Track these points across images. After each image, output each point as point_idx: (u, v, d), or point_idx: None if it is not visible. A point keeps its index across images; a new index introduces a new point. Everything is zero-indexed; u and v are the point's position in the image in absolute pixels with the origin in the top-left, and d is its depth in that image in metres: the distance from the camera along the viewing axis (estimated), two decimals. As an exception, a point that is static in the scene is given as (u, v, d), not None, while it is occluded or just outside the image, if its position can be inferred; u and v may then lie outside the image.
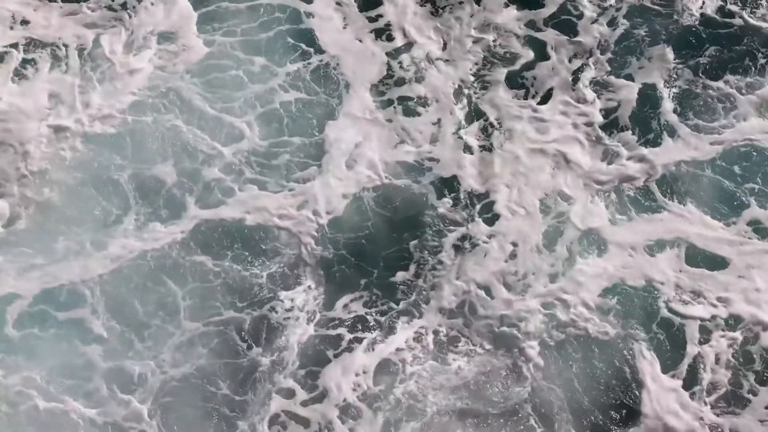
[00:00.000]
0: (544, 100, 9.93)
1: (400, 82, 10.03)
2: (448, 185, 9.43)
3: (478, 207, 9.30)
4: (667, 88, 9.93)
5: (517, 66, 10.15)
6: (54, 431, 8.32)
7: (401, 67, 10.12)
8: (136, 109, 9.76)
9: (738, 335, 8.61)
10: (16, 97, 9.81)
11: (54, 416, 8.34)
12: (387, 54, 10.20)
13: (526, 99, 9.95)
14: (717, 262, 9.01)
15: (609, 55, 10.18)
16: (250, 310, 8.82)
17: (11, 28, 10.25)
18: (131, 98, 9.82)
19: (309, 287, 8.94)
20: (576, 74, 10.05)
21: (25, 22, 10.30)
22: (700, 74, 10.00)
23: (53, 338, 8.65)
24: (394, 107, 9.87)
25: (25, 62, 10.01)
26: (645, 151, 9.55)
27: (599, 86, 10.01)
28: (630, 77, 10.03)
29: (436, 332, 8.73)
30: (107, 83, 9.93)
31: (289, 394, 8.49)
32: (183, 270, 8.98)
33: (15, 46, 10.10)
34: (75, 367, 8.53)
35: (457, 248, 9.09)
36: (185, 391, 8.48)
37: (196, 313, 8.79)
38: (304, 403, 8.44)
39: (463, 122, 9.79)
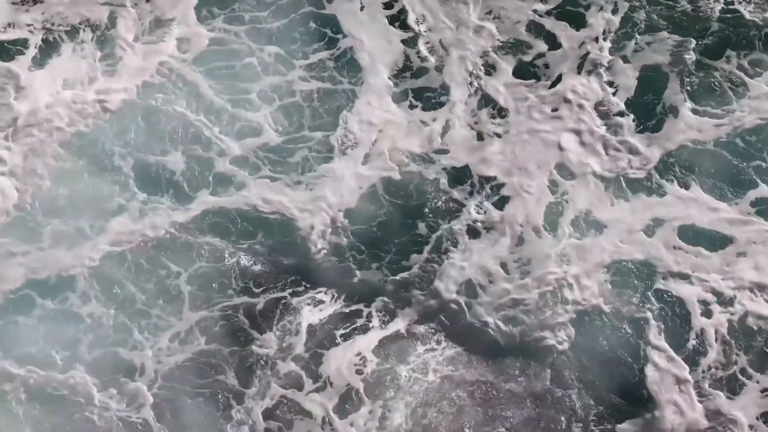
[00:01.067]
0: (552, 85, 10.19)
1: (416, 70, 10.28)
2: (461, 173, 9.75)
3: (487, 191, 9.63)
4: (671, 70, 10.18)
5: (524, 52, 10.39)
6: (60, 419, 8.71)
7: (418, 55, 10.34)
8: (145, 94, 10.02)
9: (737, 312, 9.01)
10: (27, 79, 10.02)
11: (62, 404, 8.74)
12: (402, 42, 10.44)
13: (534, 83, 10.21)
14: (719, 241, 9.38)
15: (613, 39, 10.41)
16: (256, 298, 9.19)
17: (27, 11, 10.37)
18: (141, 82, 10.08)
19: (318, 275, 9.31)
20: (582, 59, 10.28)
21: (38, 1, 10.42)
22: (704, 56, 10.26)
23: (67, 316, 9.08)
24: (409, 96, 10.14)
25: (32, 45, 10.23)
26: (648, 133, 9.85)
27: (603, 70, 10.25)
28: (630, 59, 10.28)
29: (445, 316, 9.14)
30: (118, 67, 10.15)
31: (292, 381, 8.87)
32: (191, 252, 9.36)
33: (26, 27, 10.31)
34: (79, 345, 8.92)
35: (469, 232, 9.44)
36: (187, 374, 8.88)
37: (201, 296, 9.17)
38: (306, 391, 8.83)
39: (475, 109, 10.04)
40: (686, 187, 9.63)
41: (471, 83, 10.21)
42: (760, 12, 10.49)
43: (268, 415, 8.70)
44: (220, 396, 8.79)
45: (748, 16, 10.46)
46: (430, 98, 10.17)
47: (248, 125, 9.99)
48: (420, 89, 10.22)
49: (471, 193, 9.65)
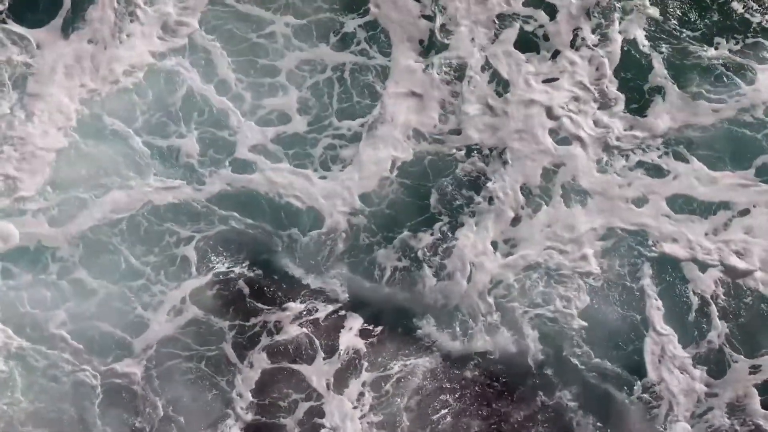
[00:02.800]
0: (552, 57, 10.56)
1: (435, 44, 10.59)
2: (471, 149, 10.22)
3: (495, 164, 10.13)
4: (662, 50, 10.56)
5: (527, 22, 10.71)
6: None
7: (436, 30, 10.63)
8: (162, 65, 10.35)
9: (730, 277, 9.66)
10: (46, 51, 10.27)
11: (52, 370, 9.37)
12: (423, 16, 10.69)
13: (535, 56, 10.57)
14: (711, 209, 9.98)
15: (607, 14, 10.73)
16: (258, 273, 9.81)
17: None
18: (158, 51, 10.38)
19: (330, 256, 9.89)
20: (576, 34, 10.63)
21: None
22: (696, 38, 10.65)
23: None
24: (429, 74, 10.46)
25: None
26: (646, 106, 10.33)
27: (601, 42, 10.62)
28: (623, 35, 10.64)
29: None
30: (135, 39, 10.39)
31: (293, 352, 9.57)
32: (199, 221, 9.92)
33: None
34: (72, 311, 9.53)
35: (478, 208, 10.02)
36: (181, 343, 9.52)
37: (203, 265, 9.77)
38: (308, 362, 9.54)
39: (483, 83, 10.43)
40: (681, 159, 10.14)
41: (478, 56, 10.54)
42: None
43: (260, 388, 9.40)
44: (213, 366, 9.44)
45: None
46: (446, 72, 10.50)
47: (274, 111, 10.37)
48: (438, 64, 10.52)
49: (479, 165, 10.15)
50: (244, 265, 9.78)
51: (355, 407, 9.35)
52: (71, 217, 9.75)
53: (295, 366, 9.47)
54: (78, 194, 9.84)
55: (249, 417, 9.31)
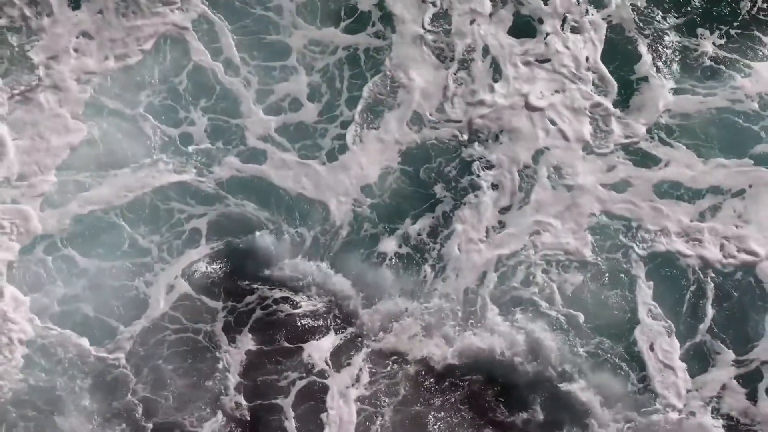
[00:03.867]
0: (545, 42, 10.85)
1: (441, 29, 10.82)
2: (470, 135, 10.45)
3: (490, 149, 10.39)
4: (652, 39, 10.89)
5: (522, 3, 11.00)
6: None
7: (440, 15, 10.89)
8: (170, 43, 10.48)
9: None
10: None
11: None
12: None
13: (527, 41, 10.86)
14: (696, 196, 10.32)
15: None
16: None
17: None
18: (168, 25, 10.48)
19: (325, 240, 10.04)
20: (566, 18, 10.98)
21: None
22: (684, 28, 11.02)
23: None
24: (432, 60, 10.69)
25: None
26: (633, 94, 10.68)
27: (590, 31, 10.93)
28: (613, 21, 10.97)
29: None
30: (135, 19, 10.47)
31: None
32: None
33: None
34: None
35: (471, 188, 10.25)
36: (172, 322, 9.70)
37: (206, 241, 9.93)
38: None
39: (481, 70, 10.67)
40: (668, 146, 10.47)
41: (474, 40, 10.80)
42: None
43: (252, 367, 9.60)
44: (206, 341, 9.64)
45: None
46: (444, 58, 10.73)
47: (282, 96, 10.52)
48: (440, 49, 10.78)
49: (478, 155, 10.37)
50: (241, 245, 9.89)
51: (352, 386, 9.61)
52: (74, 198, 9.88)
53: (291, 345, 9.67)
54: (84, 176, 9.95)
55: (239, 397, 9.54)
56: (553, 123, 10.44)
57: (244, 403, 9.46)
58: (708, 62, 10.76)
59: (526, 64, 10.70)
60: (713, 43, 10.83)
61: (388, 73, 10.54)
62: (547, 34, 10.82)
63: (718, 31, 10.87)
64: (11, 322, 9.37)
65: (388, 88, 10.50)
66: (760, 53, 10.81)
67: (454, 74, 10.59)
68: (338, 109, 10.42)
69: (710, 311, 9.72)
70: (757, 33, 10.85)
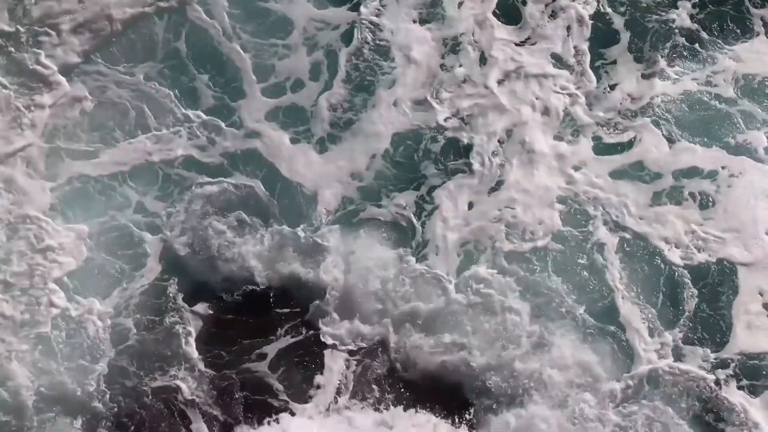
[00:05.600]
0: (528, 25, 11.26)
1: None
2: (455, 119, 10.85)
3: (472, 133, 10.77)
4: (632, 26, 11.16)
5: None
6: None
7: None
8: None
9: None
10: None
11: None
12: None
13: (511, 24, 11.26)
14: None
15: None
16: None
17: None
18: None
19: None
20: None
21: None
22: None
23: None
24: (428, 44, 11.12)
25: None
26: (612, 77, 10.95)
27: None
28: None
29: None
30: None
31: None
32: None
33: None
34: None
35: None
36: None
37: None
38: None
39: (469, 54, 11.06)
40: (644, 129, 10.69)
41: (462, 23, 11.21)
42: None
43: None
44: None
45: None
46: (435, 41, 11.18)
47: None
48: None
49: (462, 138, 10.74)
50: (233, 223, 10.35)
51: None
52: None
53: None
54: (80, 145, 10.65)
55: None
56: (531, 106, 10.78)
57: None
58: (686, 43, 10.94)
59: (511, 47, 11.06)
60: (692, 21, 11.04)
61: (377, 55, 11.00)
62: (531, 18, 11.16)
63: (697, 9, 11.07)
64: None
65: (377, 69, 10.95)
66: (741, 34, 10.96)
67: (442, 59, 10.98)
68: (331, 90, 10.89)
69: (678, 297, 9.89)
70: (733, 12, 11.04)
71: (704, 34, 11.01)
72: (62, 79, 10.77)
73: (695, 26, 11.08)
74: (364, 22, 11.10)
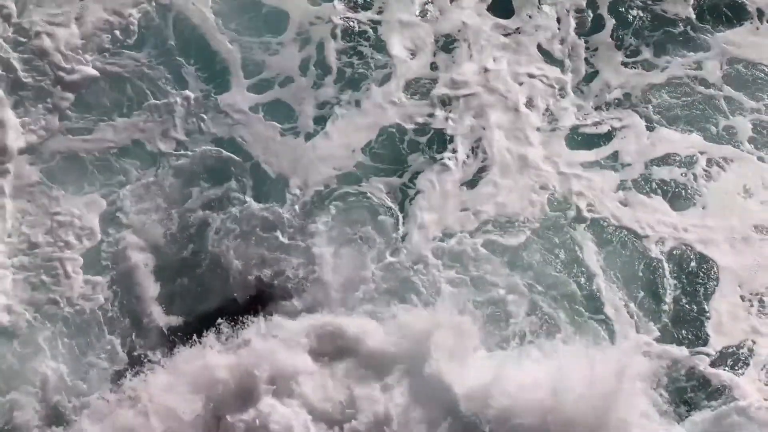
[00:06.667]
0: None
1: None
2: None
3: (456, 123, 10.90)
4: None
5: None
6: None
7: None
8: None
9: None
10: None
11: None
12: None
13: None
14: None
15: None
16: None
17: None
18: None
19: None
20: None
21: None
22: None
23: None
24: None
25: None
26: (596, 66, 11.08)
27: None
28: None
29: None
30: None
31: None
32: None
33: None
34: None
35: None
36: None
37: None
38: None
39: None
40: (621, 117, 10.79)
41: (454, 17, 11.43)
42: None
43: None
44: None
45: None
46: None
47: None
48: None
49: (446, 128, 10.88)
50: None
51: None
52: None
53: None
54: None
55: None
56: (515, 95, 10.92)
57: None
58: (672, 30, 10.98)
59: (502, 39, 11.22)
60: (680, 8, 11.14)
61: (370, 49, 11.23)
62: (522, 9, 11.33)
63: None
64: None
65: (371, 64, 11.16)
66: (729, 21, 11.07)
67: (433, 56, 11.19)
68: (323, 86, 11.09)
69: (657, 287, 9.86)
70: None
71: (693, 22, 11.04)
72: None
73: (683, 13, 11.08)
74: (352, 18, 11.36)
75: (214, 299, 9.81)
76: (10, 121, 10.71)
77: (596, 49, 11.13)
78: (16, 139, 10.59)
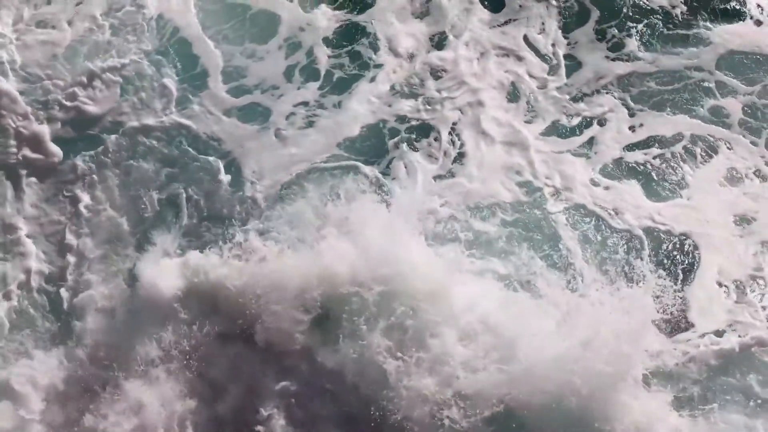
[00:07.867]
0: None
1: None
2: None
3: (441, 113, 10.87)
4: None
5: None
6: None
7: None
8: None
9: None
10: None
11: None
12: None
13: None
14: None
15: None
16: None
17: None
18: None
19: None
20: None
21: None
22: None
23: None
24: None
25: None
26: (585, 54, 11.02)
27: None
28: None
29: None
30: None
31: None
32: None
33: None
34: None
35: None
36: None
37: None
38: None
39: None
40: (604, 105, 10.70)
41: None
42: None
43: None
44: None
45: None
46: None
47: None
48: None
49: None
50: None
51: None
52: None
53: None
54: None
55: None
56: (497, 86, 10.87)
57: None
58: (659, 19, 10.81)
59: (486, 30, 11.25)
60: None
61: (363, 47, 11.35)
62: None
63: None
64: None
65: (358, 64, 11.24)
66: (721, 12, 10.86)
67: (426, 54, 11.26)
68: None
69: (636, 271, 9.64)
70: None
71: (678, 11, 10.90)
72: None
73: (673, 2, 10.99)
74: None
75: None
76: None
77: (577, 42, 11.06)
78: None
